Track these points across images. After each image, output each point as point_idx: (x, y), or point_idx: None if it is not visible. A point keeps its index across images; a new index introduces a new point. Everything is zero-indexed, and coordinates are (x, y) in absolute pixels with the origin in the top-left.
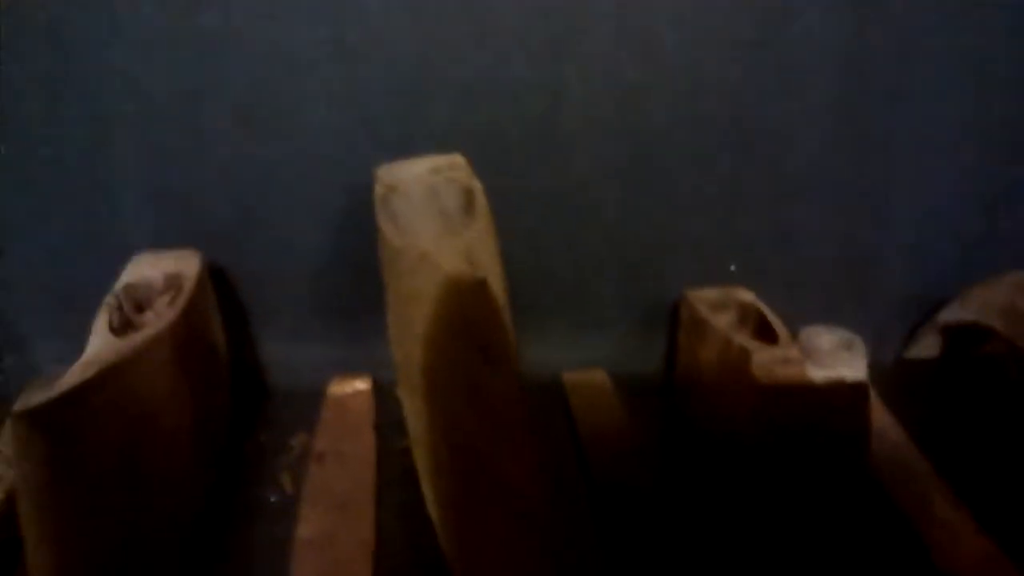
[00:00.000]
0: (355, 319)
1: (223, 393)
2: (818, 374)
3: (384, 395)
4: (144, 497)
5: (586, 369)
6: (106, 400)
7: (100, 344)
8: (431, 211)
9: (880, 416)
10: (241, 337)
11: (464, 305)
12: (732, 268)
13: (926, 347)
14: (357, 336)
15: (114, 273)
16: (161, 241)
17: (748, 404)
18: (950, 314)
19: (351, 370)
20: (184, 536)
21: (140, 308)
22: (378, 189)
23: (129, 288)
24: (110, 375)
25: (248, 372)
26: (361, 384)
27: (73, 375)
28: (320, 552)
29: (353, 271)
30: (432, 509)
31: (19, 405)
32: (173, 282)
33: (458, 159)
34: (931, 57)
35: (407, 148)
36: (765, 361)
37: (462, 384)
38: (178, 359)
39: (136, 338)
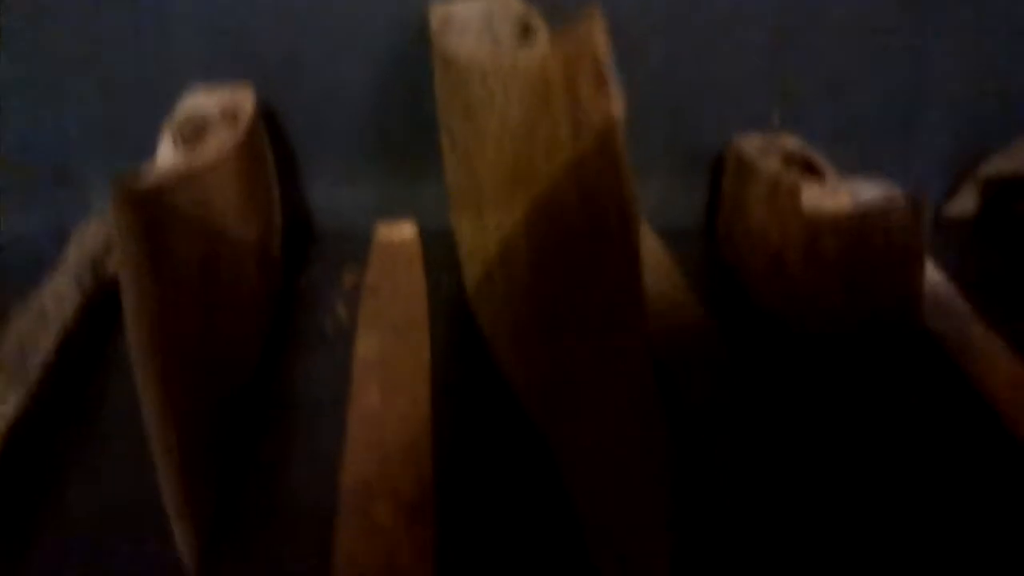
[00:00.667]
0: (403, 162)
1: (278, 227)
2: (869, 193)
3: (430, 238)
4: (220, 303)
5: None
6: (188, 199)
7: (169, 158)
8: (488, 40)
9: None
10: (289, 180)
11: (572, 75)
12: (776, 118)
13: (966, 202)
14: (405, 179)
15: (165, 110)
16: (212, 79)
17: (799, 241)
18: (991, 167)
19: (398, 214)
20: (253, 355)
21: (199, 135)
22: (433, 23)
23: (188, 117)
24: (189, 178)
25: (296, 215)
26: (408, 227)
27: (158, 174)
28: (380, 371)
29: (401, 113)
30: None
31: (118, 185)
32: (230, 112)
33: None
34: None
35: None
36: (814, 196)
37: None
38: (241, 181)
39: (205, 153)
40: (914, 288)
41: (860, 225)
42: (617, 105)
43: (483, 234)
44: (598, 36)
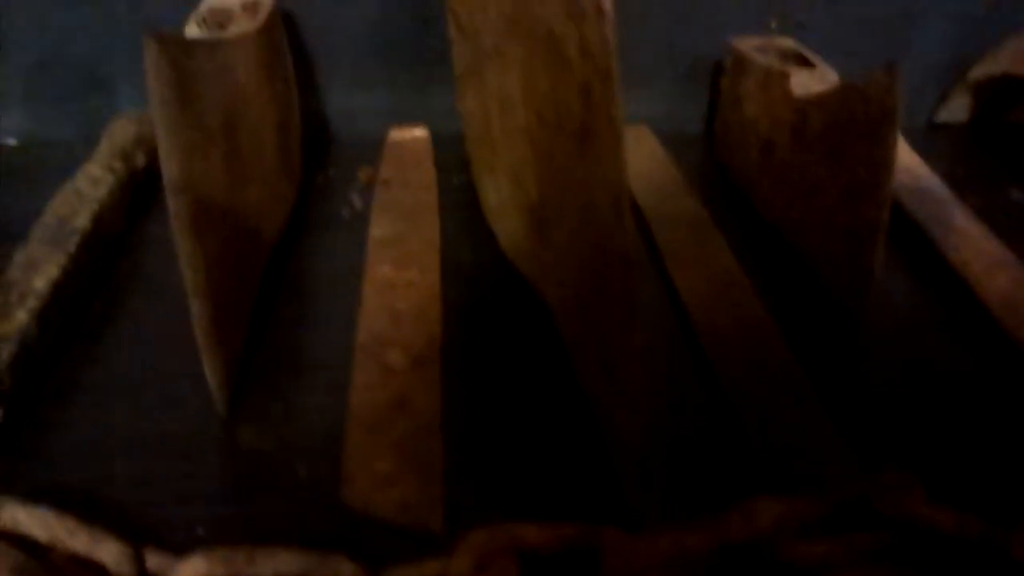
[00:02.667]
0: (415, 69)
1: (297, 123)
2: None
3: (441, 141)
4: (242, 173)
5: (631, 125)
6: (212, 63)
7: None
8: None
9: (906, 155)
10: (306, 87)
11: None
12: (772, 25)
13: (957, 109)
14: (417, 86)
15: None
16: None
17: (787, 124)
18: (980, 69)
19: (410, 119)
20: (274, 231)
21: (222, 25)
22: None
23: (211, 9)
24: (214, 45)
25: (313, 121)
26: (419, 130)
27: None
28: (392, 248)
29: (413, 21)
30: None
31: (152, 32)
32: (250, 7)
33: None
34: None
35: None
36: (803, 80)
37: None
38: (262, 65)
39: (228, 32)
40: (888, 151)
41: (841, 97)
42: None
43: (484, 100)
44: None
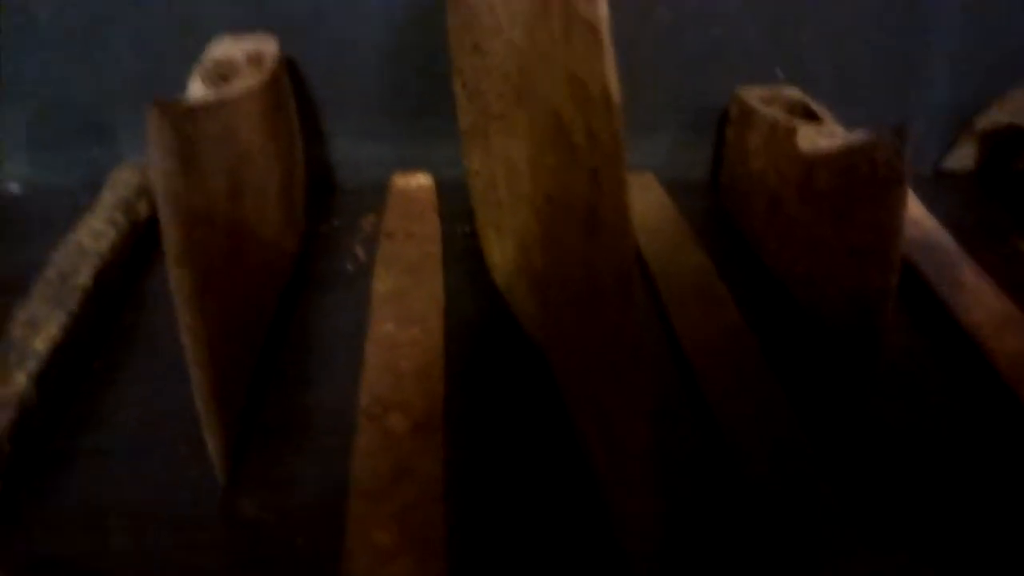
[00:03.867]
0: (418, 118)
1: (301, 175)
2: (858, 135)
3: (445, 189)
4: (246, 233)
5: (637, 172)
6: (216, 125)
7: (199, 93)
8: None
9: (914, 207)
10: (311, 135)
11: None
12: (779, 74)
13: (963, 157)
14: (420, 134)
15: (194, 64)
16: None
17: (794, 179)
18: (986, 119)
19: (415, 166)
20: (276, 289)
21: (226, 78)
22: None
23: (216, 60)
24: (218, 107)
25: (318, 170)
26: (423, 176)
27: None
28: (396, 303)
29: (417, 72)
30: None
31: (155, 104)
32: (255, 58)
33: None
34: None
35: None
36: (810, 136)
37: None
38: (266, 120)
39: (233, 88)
40: (896, 215)
41: (849, 156)
42: (602, 1)
43: (490, 162)
44: None
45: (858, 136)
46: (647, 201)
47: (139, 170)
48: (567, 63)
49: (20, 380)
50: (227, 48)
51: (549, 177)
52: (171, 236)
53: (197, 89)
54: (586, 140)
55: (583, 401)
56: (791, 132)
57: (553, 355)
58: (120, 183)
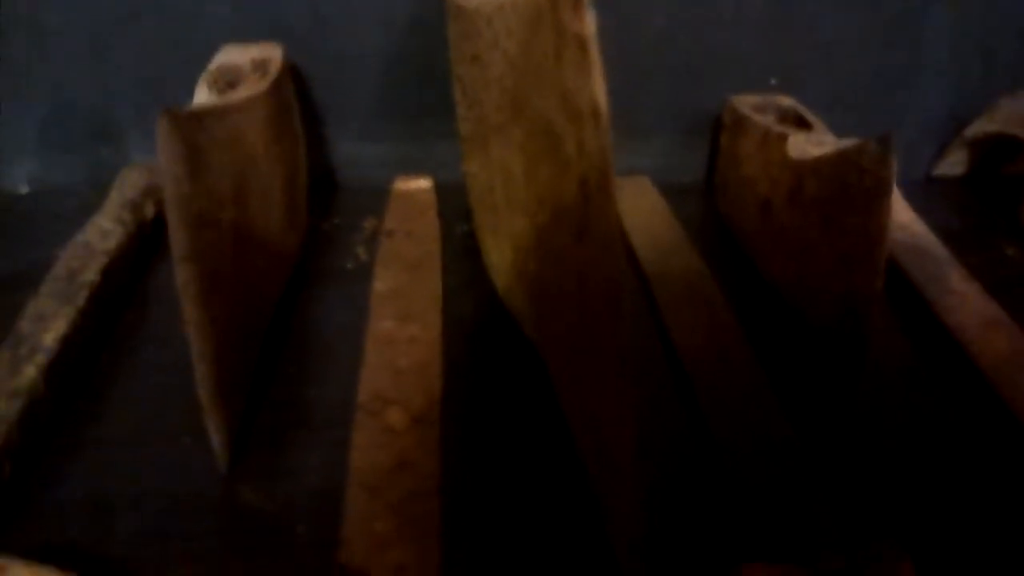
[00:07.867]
0: (418, 120)
1: (304, 178)
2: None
3: (445, 189)
4: (250, 234)
5: (632, 176)
6: (222, 130)
7: (206, 100)
8: None
9: (903, 212)
10: (314, 138)
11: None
12: (772, 82)
13: (954, 163)
14: (420, 137)
15: (199, 69)
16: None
17: (784, 186)
18: (976, 127)
19: (416, 168)
20: (278, 288)
21: (232, 84)
22: None
23: (221, 68)
24: (224, 113)
25: (320, 171)
26: (424, 180)
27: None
28: (395, 302)
29: (417, 75)
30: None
31: (163, 111)
32: (260, 66)
33: None
34: None
35: None
36: (800, 143)
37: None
38: (271, 125)
39: (238, 94)
40: (882, 222)
41: (837, 164)
42: (590, 20)
43: (488, 169)
44: None
45: (846, 144)
46: (642, 204)
47: (146, 171)
48: (558, 78)
49: (29, 372)
50: (233, 55)
51: (542, 186)
52: (178, 237)
53: (204, 95)
54: (576, 152)
55: (574, 401)
56: (782, 139)
57: (545, 352)
58: (127, 183)
